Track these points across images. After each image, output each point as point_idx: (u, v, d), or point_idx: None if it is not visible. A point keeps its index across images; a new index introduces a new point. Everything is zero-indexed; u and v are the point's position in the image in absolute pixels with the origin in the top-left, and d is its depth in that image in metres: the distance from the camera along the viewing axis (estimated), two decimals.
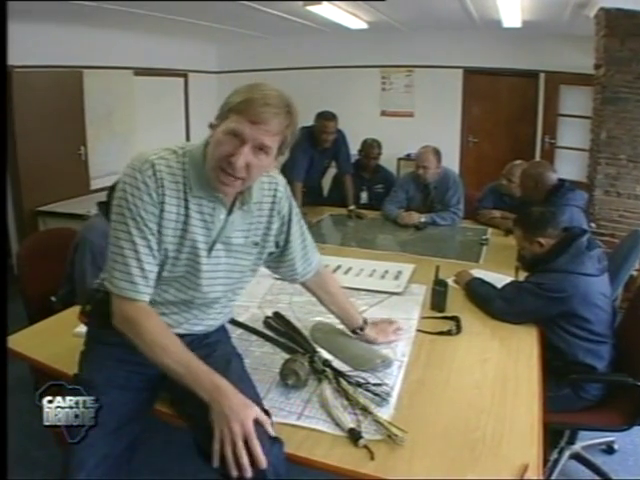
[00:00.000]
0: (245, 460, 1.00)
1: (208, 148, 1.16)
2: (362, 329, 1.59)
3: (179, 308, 1.27)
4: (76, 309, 1.57)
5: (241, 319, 1.73)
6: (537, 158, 5.06)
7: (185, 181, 1.16)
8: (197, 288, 1.24)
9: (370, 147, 3.80)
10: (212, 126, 1.16)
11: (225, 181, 1.13)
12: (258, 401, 1.20)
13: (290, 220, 1.39)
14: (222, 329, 1.46)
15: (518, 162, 3.20)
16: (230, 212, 1.23)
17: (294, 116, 1.15)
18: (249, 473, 1.00)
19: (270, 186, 1.32)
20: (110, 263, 1.15)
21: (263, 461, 1.00)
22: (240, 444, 1.00)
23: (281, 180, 1.37)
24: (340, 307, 1.59)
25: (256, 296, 1.92)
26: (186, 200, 1.16)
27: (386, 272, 2.27)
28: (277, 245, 1.40)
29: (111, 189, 2.12)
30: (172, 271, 1.20)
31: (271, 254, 1.42)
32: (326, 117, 3.41)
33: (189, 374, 1.10)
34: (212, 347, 1.34)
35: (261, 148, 1.11)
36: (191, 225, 1.18)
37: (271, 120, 1.09)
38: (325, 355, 1.48)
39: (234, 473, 0.99)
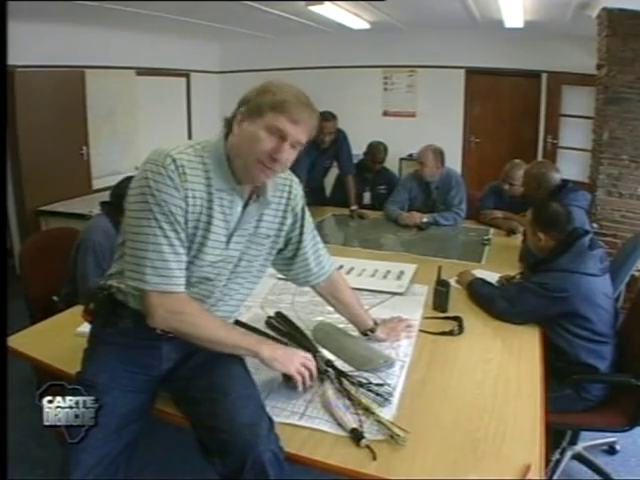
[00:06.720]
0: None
1: (234, 141, 1.20)
2: (372, 331, 1.61)
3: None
4: (78, 309, 1.57)
5: (243, 319, 1.73)
6: (539, 158, 5.04)
7: (206, 174, 1.19)
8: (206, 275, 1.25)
9: (376, 150, 3.80)
10: (228, 120, 1.22)
11: (266, 173, 1.20)
12: (261, 405, 1.20)
13: (303, 218, 1.43)
14: None
15: (517, 161, 3.15)
16: (247, 204, 1.26)
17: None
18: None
19: (285, 182, 1.37)
20: (138, 260, 1.14)
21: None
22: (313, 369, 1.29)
23: (295, 178, 1.42)
24: (352, 313, 1.61)
25: (258, 296, 1.92)
26: (209, 193, 1.19)
27: (388, 272, 2.27)
28: (288, 242, 1.43)
29: (114, 189, 2.13)
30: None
31: (281, 252, 1.43)
32: (324, 117, 3.40)
33: (243, 340, 1.25)
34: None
35: (294, 145, 1.20)
36: (213, 218, 1.20)
37: (309, 120, 1.20)
38: (327, 355, 1.48)
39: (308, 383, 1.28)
